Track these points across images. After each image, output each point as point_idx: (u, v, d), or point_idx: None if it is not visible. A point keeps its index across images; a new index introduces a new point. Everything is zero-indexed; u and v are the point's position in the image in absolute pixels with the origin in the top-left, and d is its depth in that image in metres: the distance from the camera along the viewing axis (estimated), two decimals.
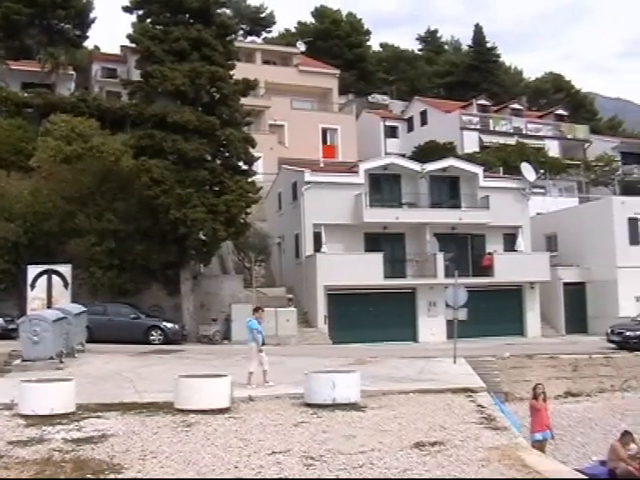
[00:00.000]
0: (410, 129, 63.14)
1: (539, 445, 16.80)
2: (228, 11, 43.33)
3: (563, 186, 53.67)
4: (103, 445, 11.62)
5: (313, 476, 9.89)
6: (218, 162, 33.54)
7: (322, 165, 43.63)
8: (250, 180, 34.13)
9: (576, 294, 39.95)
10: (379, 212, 36.71)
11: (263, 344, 18.26)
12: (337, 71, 62.55)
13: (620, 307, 37.82)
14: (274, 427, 13.11)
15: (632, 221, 39.62)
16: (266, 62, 59.58)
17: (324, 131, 57.03)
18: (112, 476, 9.86)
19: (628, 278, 38.29)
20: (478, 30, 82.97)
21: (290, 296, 35.90)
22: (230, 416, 14.09)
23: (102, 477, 9.80)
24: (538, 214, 44.07)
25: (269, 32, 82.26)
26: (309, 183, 36.56)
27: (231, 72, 34.13)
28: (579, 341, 35.41)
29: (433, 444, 11.76)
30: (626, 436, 17.14)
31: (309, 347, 31.22)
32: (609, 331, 32.39)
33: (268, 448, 11.41)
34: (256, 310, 19.53)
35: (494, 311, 36.32)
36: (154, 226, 32.19)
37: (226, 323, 33.19)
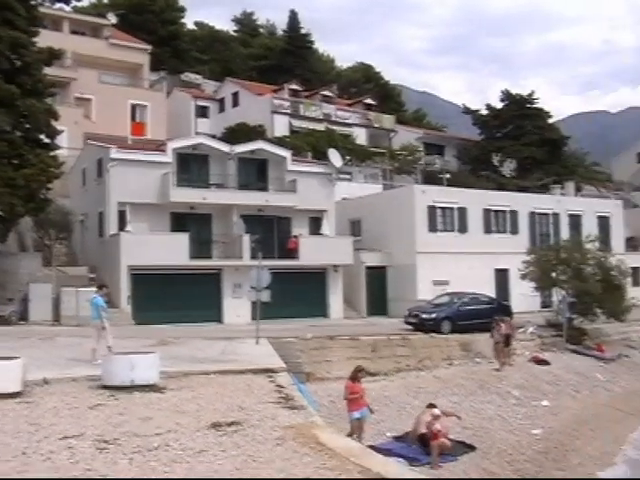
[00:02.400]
0: (221, 110, 62.82)
1: (358, 423, 17.35)
2: None
3: (368, 173, 55.26)
4: None
5: (106, 460, 9.66)
6: (18, 134, 31.79)
7: (130, 142, 42.54)
8: (52, 154, 32.72)
9: (378, 277, 41.33)
10: (186, 192, 36.24)
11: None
12: (149, 47, 61.06)
13: (418, 290, 39.52)
14: (68, 411, 12.69)
15: (431, 209, 41.47)
16: (74, 32, 56.98)
17: (133, 107, 55.51)
18: None
19: (426, 263, 40.11)
20: (293, 16, 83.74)
21: (92, 275, 34.85)
22: (22, 400, 13.46)
23: None
24: (344, 199, 45.09)
25: (79, 0, 79.00)
26: (115, 160, 35.43)
27: (35, 39, 32.49)
28: (379, 323, 36.67)
29: (230, 424, 11.80)
30: (432, 408, 18.44)
31: (111, 328, 30.38)
32: (407, 313, 33.86)
33: (60, 432, 11.03)
34: (100, 287, 19.71)
35: (298, 293, 36.93)
36: None
37: (23, 303, 31.78)
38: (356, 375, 17.86)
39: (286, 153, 40.35)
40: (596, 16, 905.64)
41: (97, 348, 18.26)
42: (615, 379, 29.58)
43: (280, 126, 56.45)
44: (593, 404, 25.70)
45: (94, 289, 31.96)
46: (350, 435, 16.74)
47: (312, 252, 37.96)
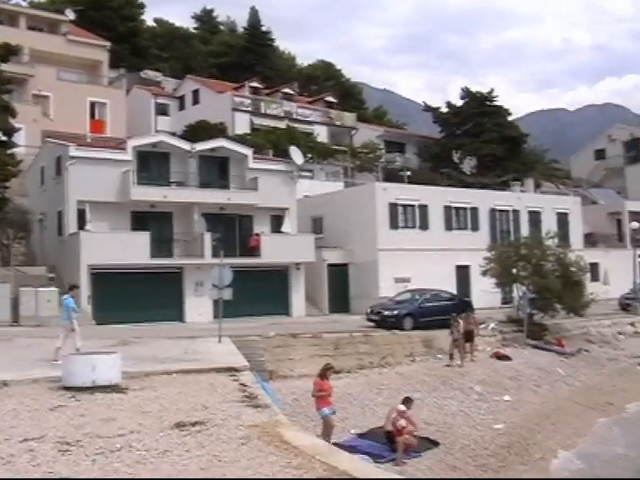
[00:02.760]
0: (182, 107, 62.42)
1: (328, 419, 17.26)
2: None
3: (330, 171, 55.31)
4: None
5: (68, 462, 9.52)
6: None
7: (89, 140, 42.04)
8: (10, 152, 32.36)
9: (339, 275, 41.38)
10: (147, 190, 35.89)
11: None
12: (108, 43, 60.34)
13: (380, 288, 39.64)
14: (28, 413, 12.47)
15: (393, 206, 41.61)
16: (31, 28, 56.07)
17: (92, 105, 54.87)
18: None
19: (388, 260, 40.25)
20: (254, 13, 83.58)
21: (52, 275, 34.39)
22: None
23: None
24: (305, 197, 45.12)
25: None
26: (74, 158, 34.93)
27: None
28: (341, 320, 36.67)
29: (194, 424, 11.70)
30: (408, 402, 18.65)
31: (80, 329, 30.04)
32: (369, 310, 33.96)
33: (20, 435, 10.82)
34: (71, 288, 19.50)
35: (261, 291, 36.85)
36: None
37: None
38: (325, 372, 17.72)
39: (247, 151, 40.18)
40: (554, 15, 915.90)
41: (62, 347, 18.05)
42: (575, 373, 29.93)
43: (241, 124, 56.27)
44: (554, 398, 25.98)
45: (50, 288, 32.17)
46: (327, 433, 16.74)
47: (274, 250, 37.89)
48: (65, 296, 19.47)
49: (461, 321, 28.59)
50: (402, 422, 17.62)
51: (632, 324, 39.96)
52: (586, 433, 22.48)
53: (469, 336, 29.15)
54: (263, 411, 13.15)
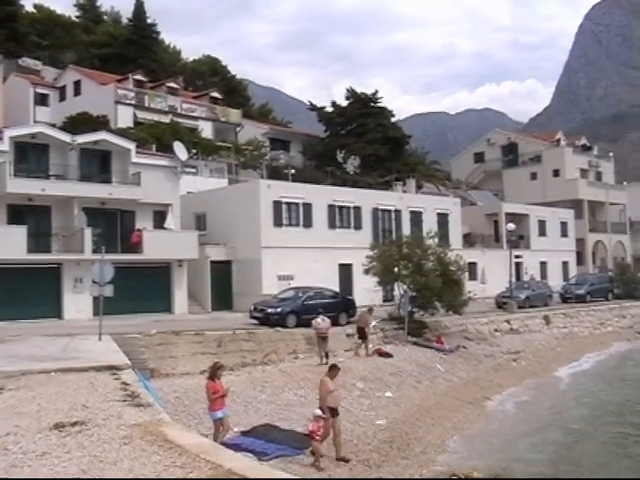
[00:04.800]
0: (62, 98, 60.61)
1: (224, 422, 16.82)
2: None
3: (214, 167, 54.83)
4: None
5: None
6: None
7: None
8: None
9: (223, 272, 41.10)
10: (24, 183, 34.60)
11: None
12: None
13: (263, 285, 39.59)
14: None
15: (277, 204, 41.64)
16: None
17: None
18: None
19: (271, 257, 40.26)
20: (139, 4, 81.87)
21: None
22: None
23: None
24: (189, 193, 44.66)
25: None
26: None
27: None
28: (224, 317, 36.52)
29: (74, 424, 11.40)
30: (333, 369, 18.28)
31: None
32: (252, 308, 33.95)
33: None
34: None
35: (143, 288, 36.30)
36: None
37: None
38: (215, 373, 16.92)
39: (130, 145, 39.35)
40: (438, 21, 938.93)
41: None
42: (454, 369, 30.71)
43: (124, 117, 55.12)
44: (433, 394, 26.57)
45: None
46: (221, 436, 16.46)
47: (156, 246, 37.24)
48: None
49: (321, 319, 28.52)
50: (310, 426, 17.48)
51: (508, 321, 41.34)
52: (464, 428, 23.10)
53: (363, 333, 29.67)
54: (145, 410, 12.94)
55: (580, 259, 70.44)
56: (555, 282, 58.31)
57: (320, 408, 17.69)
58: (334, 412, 17.67)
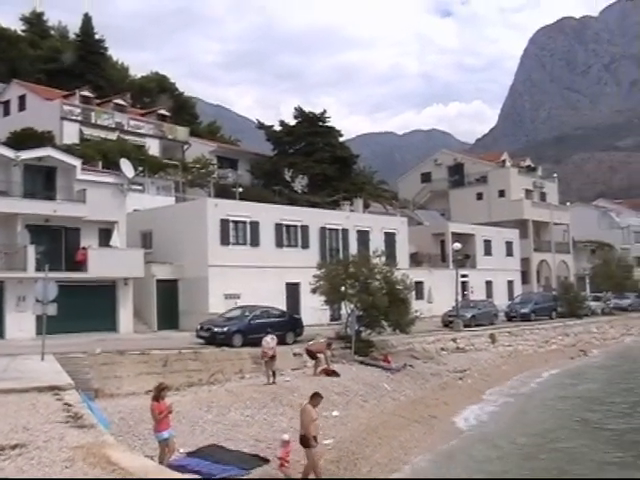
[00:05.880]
0: (6, 113, 59.70)
1: (166, 443, 16.55)
2: None
3: (161, 185, 54.41)
4: None
5: None
6: None
7: None
8: None
9: (169, 291, 40.75)
10: None
11: None
12: None
13: (210, 304, 39.35)
14: None
15: (224, 222, 41.48)
16: None
17: None
18: None
19: (218, 276, 40.06)
20: (87, 20, 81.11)
21: None
22: None
23: None
24: (135, 211, 44.24)
25: None
26: None
27: None
28: (170, 337, 36.16)
29: (14, 447, 11.14)
30: (315, 397, 18.28)
31: None
32: (198, 327, 33.72)
33: None
34: None
35: (87, 307, 35.81)
36: None
37: None
38: (159, 394, 16.80)
39: (76, 161, 38.86)
40: (386, 41, 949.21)
41: None
42: (400, 388, 30.79)
43: (70, 133, 54.39)
44: (380, 413, 26.58)
45: None
46: (167, 457, 16.20)
47: (101, 264, 36.79)
48: None
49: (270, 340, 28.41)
50: (278, 452, 17.37)
51: (454, 340, 41.66)
52: (414, 447, 23.16)
53: (312, 354, 29.97)
54: (89, 431, 12.71)
55: (525, 278, 71.51)
56: (500, 301, 59.09)
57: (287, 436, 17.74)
58: (315, 440, 17.68)
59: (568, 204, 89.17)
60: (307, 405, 18.04)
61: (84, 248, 37.41)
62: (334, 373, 29.90)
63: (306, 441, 17.39)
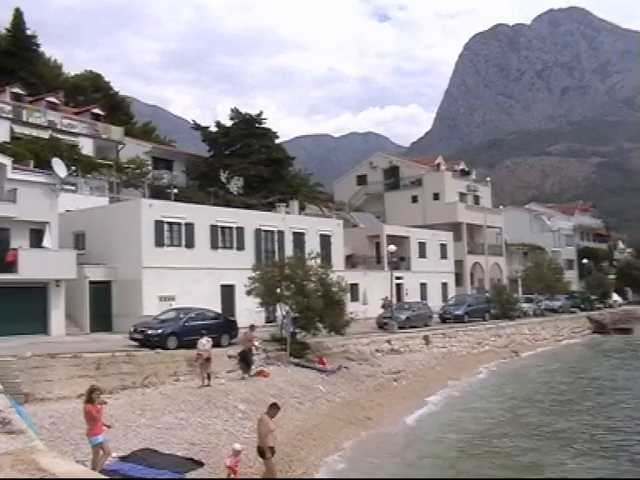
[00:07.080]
0: None
1: (104, 447, 16.22)
2: None
3: (95, 185, 53.64)
4: None
5: None
6: None
7: None
8: None
9: (102, 293, 40.17)
10: None
11: None
12: None
13: (144, 306, 38.91)
14: None
15: (158, 223, 41.06)
16: None
17: None
18: None
19: (152, 278, 39.66)
20: (18, 15, 79.40)
21: None
22: None
23: None
24: (67, 211, 43.49)
25: None
26: None
27: None
28: (104, 339, 35.60)
29: None
30: (273, 408, 18.39)
31: None
32: (132, 329, 33.25)
33: None
34: None
35: (18, 309, 35.12)
36: None
37: None
38: (90, 396, 16.34)
39: (6, 160, 37.99)
40: (323, 44, 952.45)
41: None
42: (335, 390, 30.91)
43: (0, 131, 53.23)
44: (315, 415, 26.65)
45: None
46: (101, 462, 15.92)
47: (32, 266, 36.04)
48: None
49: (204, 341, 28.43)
50: (227, 461, 17.27)
51: (389, 342, 41.97)
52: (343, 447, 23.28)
53: (246, 357, 29.73)
54: (17, 437, 12.48)
55: (459, 280, 72.50)
56: (435, 303, 59.77)
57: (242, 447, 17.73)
58: (272, 451, 17.65)
59: (501, 207, 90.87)
60: (264, 416, 18.11)
61: (14, 249, 36.59)
62: (268, 375, 29.86)
63: (262, 452, 17.45)
